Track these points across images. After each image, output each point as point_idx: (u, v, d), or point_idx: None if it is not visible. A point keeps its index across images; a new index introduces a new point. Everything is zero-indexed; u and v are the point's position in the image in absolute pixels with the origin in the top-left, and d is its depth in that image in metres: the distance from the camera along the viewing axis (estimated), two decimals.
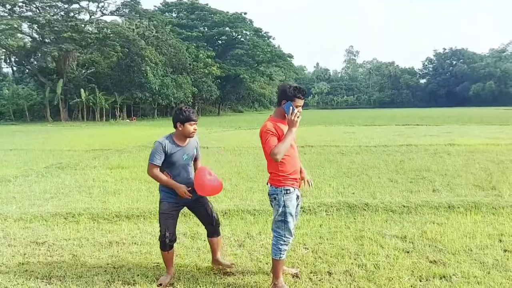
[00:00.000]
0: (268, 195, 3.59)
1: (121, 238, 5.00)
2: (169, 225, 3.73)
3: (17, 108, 44.11)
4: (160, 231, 3.75)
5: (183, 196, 3.63)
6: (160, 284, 3.68)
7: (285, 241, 3.50)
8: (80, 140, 18.79)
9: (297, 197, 3.61)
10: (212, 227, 3.95)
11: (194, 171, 3.90)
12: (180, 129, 3.67)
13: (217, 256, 4.00)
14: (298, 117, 3.34)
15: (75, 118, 44.77)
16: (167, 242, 3.71)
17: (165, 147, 3.62)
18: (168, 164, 3.68)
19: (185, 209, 4.08)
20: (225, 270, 3.96)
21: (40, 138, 20.11)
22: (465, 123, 26.35)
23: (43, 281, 3.84)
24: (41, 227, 5.48)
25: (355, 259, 4.21)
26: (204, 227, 4.05)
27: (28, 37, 45.44)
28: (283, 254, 3.51)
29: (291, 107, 3.35)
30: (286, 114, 3.39)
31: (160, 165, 3.66)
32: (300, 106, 3.44)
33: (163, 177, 3.67)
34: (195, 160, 3.95)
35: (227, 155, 12.09)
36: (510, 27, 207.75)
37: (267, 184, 3.61)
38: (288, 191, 3.47)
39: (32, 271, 4.06)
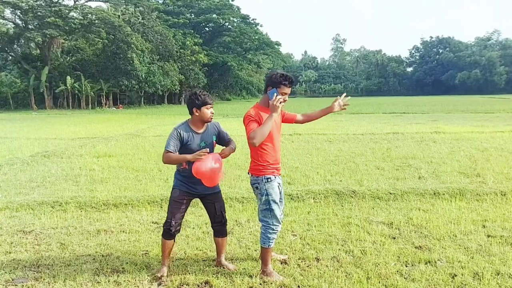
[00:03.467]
0: (251, 184, 3.62)
1: (109, 227, 4.99)
2: (176, 214, 3.60)
3: (1, 96, 43.28)
4: (166, 218, 3.64)
5: (195, 159, 3.36)
6: (161, 276, 3.58)
7: (273, 229, 3.53)
8: (66, 128, 18.56)
9: (278, 184, 3.62)
10: (218, 226, 3.76)
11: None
12: (197, 114, 3.53)
13: (220, 258, 3.83)
14: (280, 103, 3.33)
15: (60, 106, 44.06)
16: (172, 231, 3.60)
17: (180, 134, 3.51)
18: (185, 152, 3.51)
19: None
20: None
21: (25, 126, 19.81)
22: (451, 111, 26.66)
23: (31, 270, 3.82)
24: (27, 216, 5.44)
25: (342, 245, 4.28)
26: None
27: (10, 23, 44.36)
28: (271, 242, 3.54)
29: (275, 94, 3.36)
30: (270, 100, 3.39)
31: (175, 152, 3.50)
32: (286, 93, 3.45)
33: (174, 155, 3.48)
34: (224, 143, 3.76)
35: None
36: (495, 15, 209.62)
37: (248, 173, 3.63)
38: (269, 179, 3.50)
39: (20, 260, 4.03)
